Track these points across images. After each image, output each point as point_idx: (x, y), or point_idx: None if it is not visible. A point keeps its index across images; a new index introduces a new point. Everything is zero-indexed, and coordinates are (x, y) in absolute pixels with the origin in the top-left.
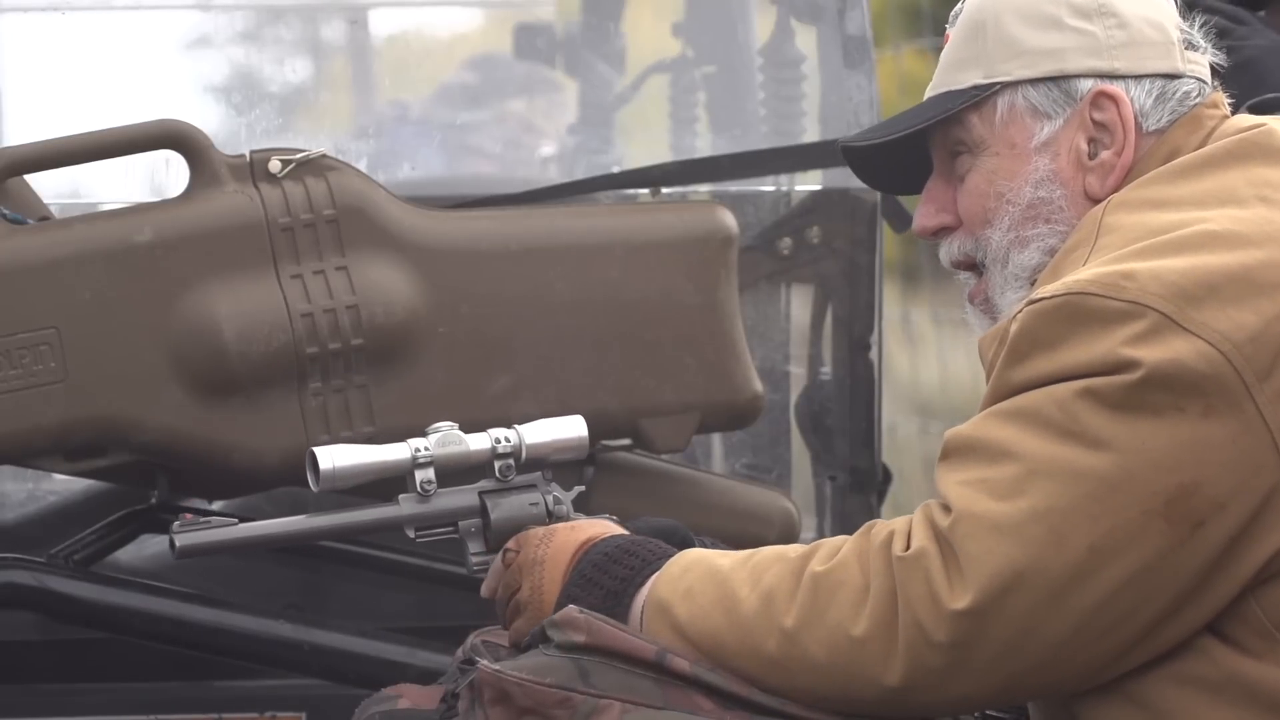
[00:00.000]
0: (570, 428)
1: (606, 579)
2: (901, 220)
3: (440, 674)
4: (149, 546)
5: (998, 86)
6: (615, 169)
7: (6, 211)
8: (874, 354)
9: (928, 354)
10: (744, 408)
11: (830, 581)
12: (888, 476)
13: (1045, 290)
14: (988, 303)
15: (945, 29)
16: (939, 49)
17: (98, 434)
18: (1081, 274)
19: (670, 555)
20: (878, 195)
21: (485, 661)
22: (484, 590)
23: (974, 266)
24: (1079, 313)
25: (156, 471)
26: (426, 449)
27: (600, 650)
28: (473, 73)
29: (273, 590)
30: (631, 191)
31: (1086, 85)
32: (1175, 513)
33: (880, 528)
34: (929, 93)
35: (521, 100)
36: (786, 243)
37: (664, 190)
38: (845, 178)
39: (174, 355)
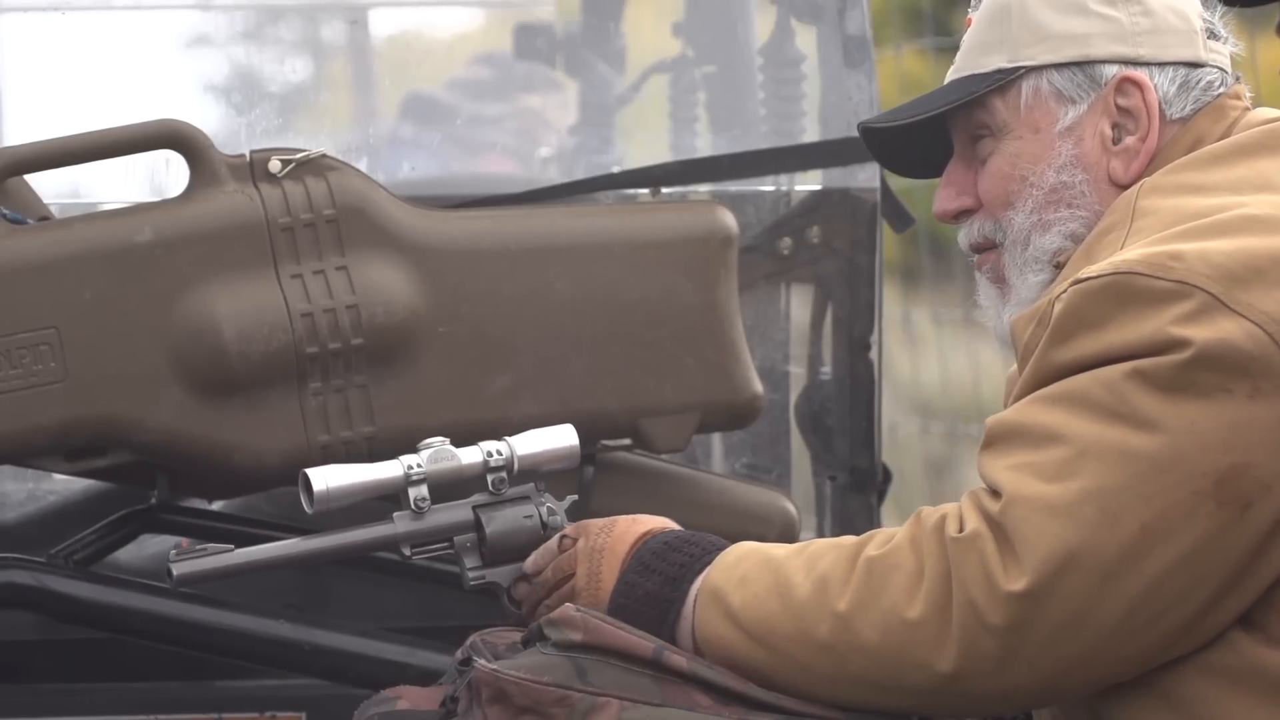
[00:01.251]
0: (561, 437)
1: (665, 566)
2: (902, 220)
3: (440, 674)
4: (149, 546)
5: (1022, 70)
6: (615, 169)
7: (6, 211)
8: (874, 354)
9: (928, 354)
10: (744, 408)
11: (884, 565)
12: (888, 476)
13: (1090, 270)
14: (1003, 282)
15: (968, 13)
16: (939, 49)
17: (98, 434)
18: (1127, 254)
19: (727, 546)
20: (878, 195)
21: (483, 661)
22: (530, 565)
23: (994, 248)
24: (1126, 292)
25: (156, 471)
26: (419, 466)
27: (597, 648)
28: (472, 73)
29: (273, 590)
30: (631, 191)
31: (1111, 71)
32: (1225, 494)
33: (930, 512)
34: (950, 76)
35: (521, 100)
36: (786, 243)
37: (664, 190)
38: (845, 178)
39: (174, 355)
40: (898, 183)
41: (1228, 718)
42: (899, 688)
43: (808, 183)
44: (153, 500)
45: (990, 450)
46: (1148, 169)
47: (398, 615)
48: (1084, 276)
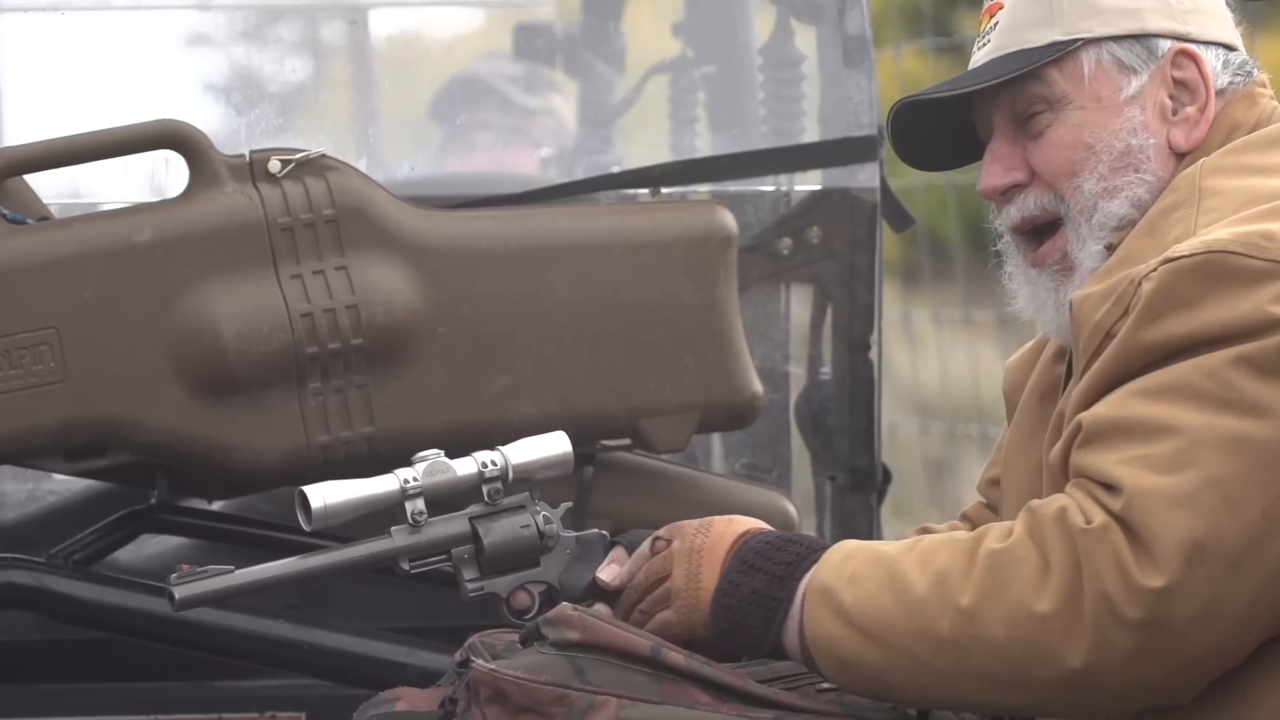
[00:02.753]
0: (554, 444)
1: (770, 564)
2: (901, 220)
3: (440, 674)
4: (149, 546)
5: (1079, 43)
6: (615, 169)
7: (6, 211)
8: (874, 354)
9: (928, 354)
10: (743, 408)
11: (1009, 558)
12: (888, 476)
13: (1180, 249)
14: (1065, 259)
15: (986, 2)
16: (939, 49)
17: (97, 434)
18: (1216, 233)
19: (829, 545)
20: (877, 195)
21: (481, 660)
22: (623, 575)
23: (1049, 224)
24: (1219, 271)
25: (156, 471)
26: (415, 479)
27: (595, 647)
28: (472, 73)
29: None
30: (631, 191)
31: (1165, 45)
32: None
33: (1043, 505)
34: (988, 55)
35: (521, 100)
36: (786, 243)
37: (664, 190)
38: (845, 178)
39: (174, 355)
40: (897, 183)
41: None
42: (1022, 683)
43: (807, 183)
44: (153, 500)
45: (1092, 447)
46: (1205, 140)
47: (398, 615)
48: (1175, 255)
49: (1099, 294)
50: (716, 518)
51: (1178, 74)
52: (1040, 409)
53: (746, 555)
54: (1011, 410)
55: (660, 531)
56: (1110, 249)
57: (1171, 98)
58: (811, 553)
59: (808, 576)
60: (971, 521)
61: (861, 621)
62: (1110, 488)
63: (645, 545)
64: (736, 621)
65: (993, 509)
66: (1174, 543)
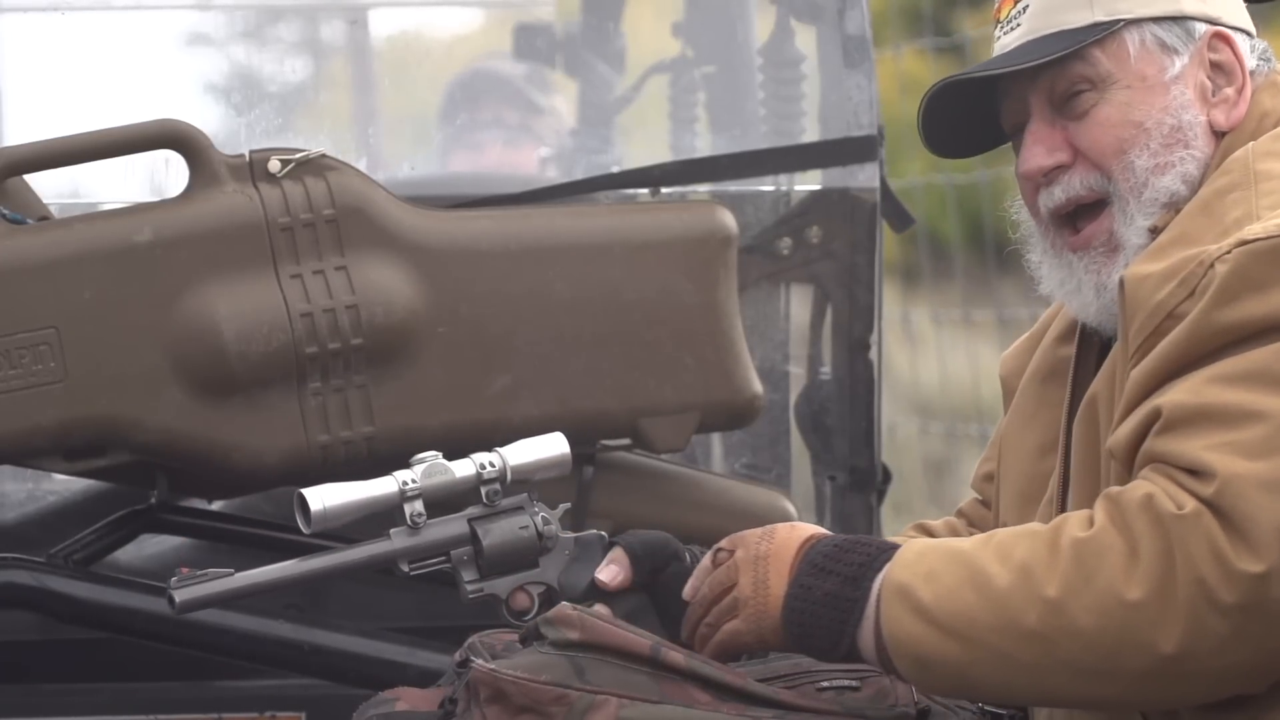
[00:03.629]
0: (552, 446)
1: (841, 566)
2: (901, 220)
3: (440, 674)
4: (149, 546)
5: (1121, 23)
6: (615, 169)
7: (6, 211)
8: (874, 354)
9: (927, 354)
10: (743, 407)
11: (1094, 547)
12: (887, 476)
13: (1256, 231)
14: (1110, 239)
15: None
16: (939, 49)
17: (97, 434)
18: None
19: (898, 546)
20: (877, 195)
21: (480, 660)
22: (686, 591)
23: (1088, 206)
24: None
25: (156, 471)
26: (413, 481)
27: (595, 646)
28: (472, 72)
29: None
30: (631, 191)
31: (1202, 27)
32: None
33: (1124, 493)
34: (1022, 38)
35: (521, 100)
36: (786, 242)
37: (664, 190)
38: (845, 178)
39: (173, 355)
40: (897, 183)
41: None
42: (1112, 672)
43: (807, 183)
44: (152, 500)
45: (1175, 433)
46: (1242, 122)
47: (398, 615)
48: (1251, 237)
49: (1159, 274)
50: (779, 524)
51: (1214, 56)
52: (1042, 390)
53: (815, 558)
54: (1009, 397)
55: (721, 543)
56: (1154, 231)
57: (1209, 79)
58: (882, 553)
59: (881, 576)
60: (968, 518)
61: (942, 618)
62: (1198, 474)
63: (706, 559)
64: (809, 625)
65: (986, 504)
66: (1270, 527)
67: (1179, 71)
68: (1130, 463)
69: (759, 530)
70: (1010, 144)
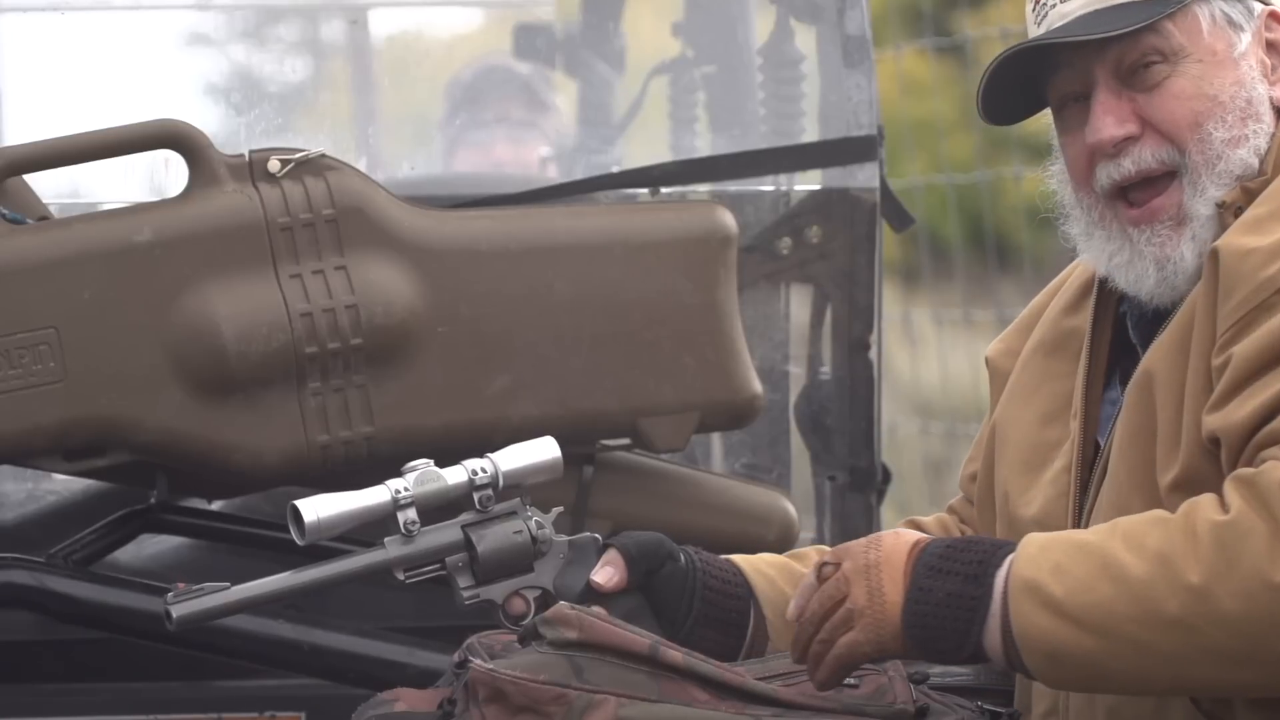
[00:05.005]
0: (543, 450)
1: (959, 565)
2: (901, 220)
3: (439, 674)
4: (148, 546)
5: None
6: (615, 169)
7: (6, 211)
8: (874, 354)
9: (928, 354)
10: (743, 407)
11: (1236, 531)
12: (887, 476)
13: None
14: (1179, 212)
15: None
16: (939, 49)
17: (97, 434)
18: None
19: (1010, 544)
20: (877, 195)
21: (479, 660)
22: (792, 611)
23: (1165, 175)
24: None
25: (156, 471)
26: (406, 489)
27: (593, 646)
28: (472, 73)
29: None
30: (631, 191)
31: (1258, 6)
32: None
33: (1261, 475)
34: (1084, 8)
35: (521, 100)
36: (786, 242)
37: (663, 190)
38: (845, 177)
39: (173, 355)
40: (897, 183)
41: None
42: (1255, 656)
43: (807, 183)
44: (152, 500)
45: None
46: None
47: (397, 615)
48: None
49: (1268, 249)
50: (882, 532)
51: (1269, 35)
52: (1046, 363)
53: (930, 560)
54: (999, 381)
55: (825, 556)
56: (1220, 205)
57: (1266, 57)
58: (998, 549)
59: (1002, 573)
60: (959, 515)
61: (1077, 612)
62: None
63: (811, 575)
64: (933, 628)
65: (971, 502)
66: None
67: (1245, 48)
68: (1244, 443)
69: (863, 540)
70: (1028, 117)
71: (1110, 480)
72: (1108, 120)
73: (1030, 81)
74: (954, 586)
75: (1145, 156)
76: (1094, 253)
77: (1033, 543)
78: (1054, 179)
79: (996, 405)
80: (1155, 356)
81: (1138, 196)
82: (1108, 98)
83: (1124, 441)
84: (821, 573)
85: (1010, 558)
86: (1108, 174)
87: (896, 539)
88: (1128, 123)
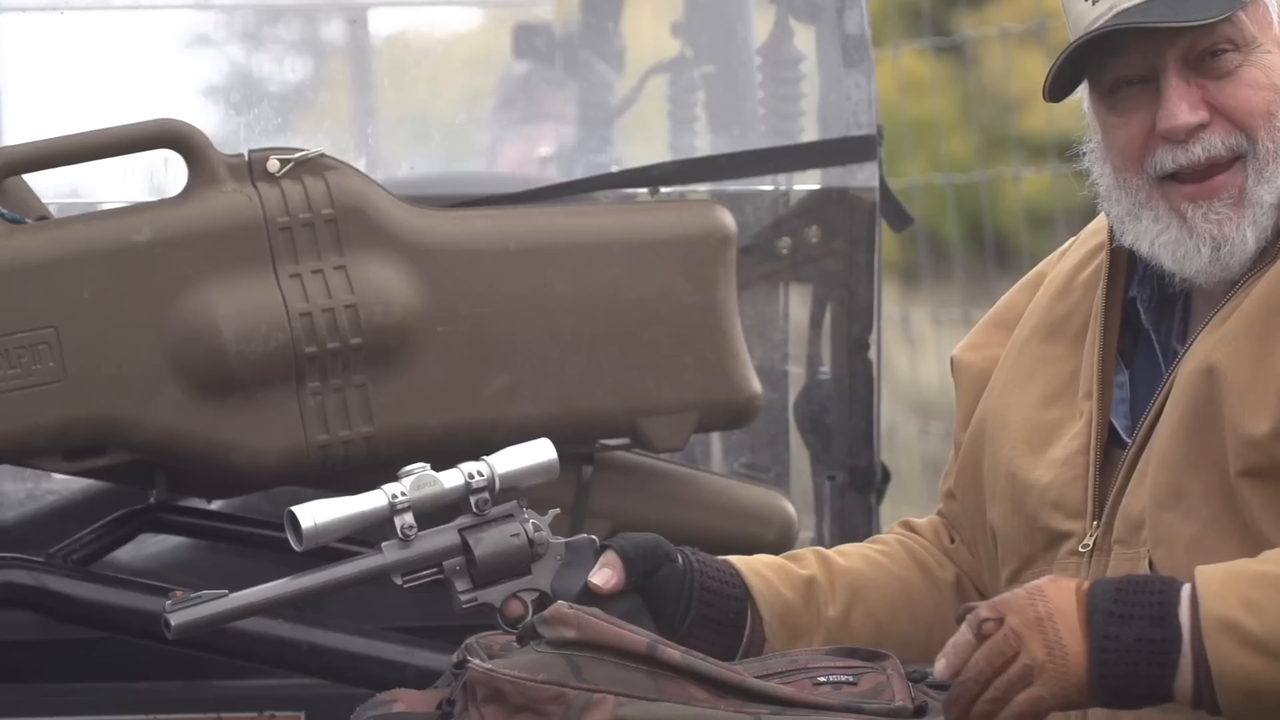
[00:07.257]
0: (539, 452)
1: (1139, 609)
2: (900, 219)
3: (439, 674)
4: (148, 546)
5: None
6: (614, 169)
7: (6, 211)
8: (873, 354)
9: (927, 354)
10: (742, 407)
11: None
12: (887, 476)
13: None
14: (1241, 193)
15: None
16: (938, 49)
17: (96, 434)
18: None
19: (1176, 580)
20: (876, 195)
21: (477, 660)
22: (945, 670)
23: (1231, 163)
24: None
25: (156, 471)
26: (402, 494)
27: (591, 645)
28: (472, 73)
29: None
30: (630, 191)
31: None
32: None
33: None
34: None
35: (521, 100)
36: (785, 242)
37: (663, 190)
38: (844, 177)
39: (173, 355)
40: (896, 182)
41: None
42: None
43: (806, 182)
44: (152, 500)
45: None
46: None
47: (397, 615)
48: None
49: None
50: (1038, 582)
51: None
52: (1043, 348)
53: (1107, 606)
54: (971, 381)
55: (983, 613)
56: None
57: None
58: (1170, 586)
59: (1184, 611)
60: (946, 518)
61: (1278, 648)
62: None
63: (967, 633)
64: (1127, 675)
65: (943, 515)
66: None
67: None
68: None
69: (1022, 593)
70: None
71: (1161, 465)
72: (1182, 106)
73: (1073, 61)
74: (1142, 631)
75: (1216, 144)
76: (1141, 234)
77: (1213, 578)
78: (1089, 158)
79: (979, 400)
80: (1219, 353)
81: (1191, 177)
82: (1179, 84)
83: (1180, 432)
84: (983, 629)
85: (1187, 593)
86: (1173, 158)
87: (1058, 587)
88: (1200, 109)
